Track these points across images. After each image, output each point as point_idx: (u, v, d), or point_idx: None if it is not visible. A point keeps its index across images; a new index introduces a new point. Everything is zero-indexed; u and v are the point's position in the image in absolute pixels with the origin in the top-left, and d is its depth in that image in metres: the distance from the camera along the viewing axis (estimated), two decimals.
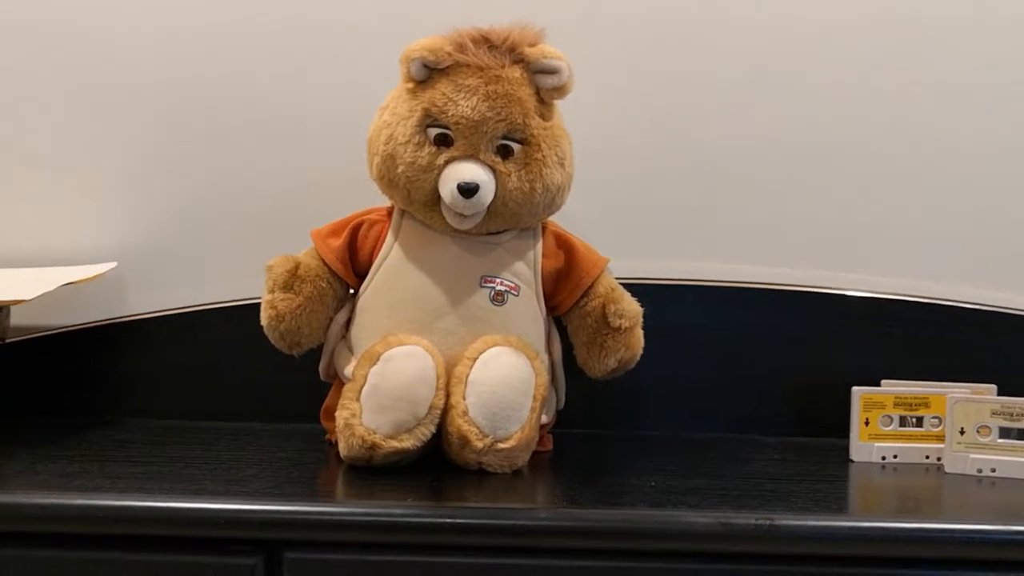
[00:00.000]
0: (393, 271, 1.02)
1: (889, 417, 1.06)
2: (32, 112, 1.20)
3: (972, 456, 1.01)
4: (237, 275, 1.17)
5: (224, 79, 1.19)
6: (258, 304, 1.03)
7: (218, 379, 1.17)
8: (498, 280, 1.01)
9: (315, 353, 1.05)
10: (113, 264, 1.16)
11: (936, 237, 1.21)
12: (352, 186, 1.08)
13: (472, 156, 0.99)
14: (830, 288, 1.19)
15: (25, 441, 1.03)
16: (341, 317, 1.04)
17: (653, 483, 0.95)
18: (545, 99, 1.01)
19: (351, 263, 1.04)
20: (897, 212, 1.20)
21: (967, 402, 1.02)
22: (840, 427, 1.07)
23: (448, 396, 0.95)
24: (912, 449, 1.06)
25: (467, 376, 0.95)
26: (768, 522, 0.82)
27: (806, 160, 1.20)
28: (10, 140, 1.20)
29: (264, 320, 1.03)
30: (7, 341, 1.15)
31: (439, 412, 0.95)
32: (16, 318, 1.15)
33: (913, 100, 1.20)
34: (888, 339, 1.18)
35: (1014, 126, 1.20)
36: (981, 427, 1.01)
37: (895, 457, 1.06)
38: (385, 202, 1.05)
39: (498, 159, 0.99)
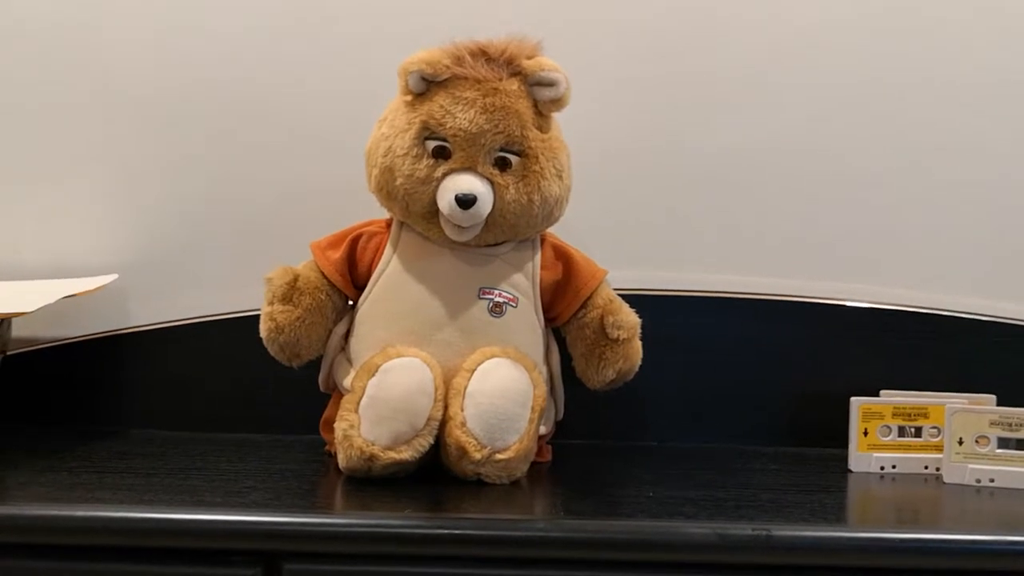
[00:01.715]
0: (392, 283, 1.02)
1: (888, 427, 1.06)
2: (32, 125, 1.20)
3: (971, 466, 1.01)
4: (237, 287, 1.17)
5: (223, 91, 1.20)
6: (258, 316, 1.04)
7: (218, 390, 1.18)
8: (496, 292, 1.02)
9: (315, 365, 1.06)
10: (114, 276, 1.16)
11: (936, 247, 1.21)
12: (351, 198, 1.08)
13: (470, 168, 0.99)
14: (829, 298, 1.20)
15: (26, 452, 1.04)
16: (340, 329, 1.05)
17: (651, 493, 0.95)
18: (543, 111, 1.02)
19: (350, 275, 1.04)
20: (897, 222, 1.21)
21: (965, 412, 1.02)
22: (839, 437, 1.07)
23: (446, 407, 0.96)
24: (911, 459, 1.06)
25: (465, 387, 0.95)
26: (765, 533, 0.82)
27: (805, 170, 1.20)
28: (10, 153, 1.20)
29: (263, 332, 1.03)
30: (9, 353, 1.15)
31: (437, 423, 0.95)
32: (17, 330, 1.15)
33: (912, 107, 1.20)
34: (887, 349, 1.18)
35: (1015, 134, 1.21)
36: (979, 437, 1.01)
37: (894, 467, 1.06)
38: (384, 214, 1.06)
39: (496, 171, 1.00)
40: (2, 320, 1.11)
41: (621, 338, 1.04)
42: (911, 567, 0.84)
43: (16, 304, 1.07)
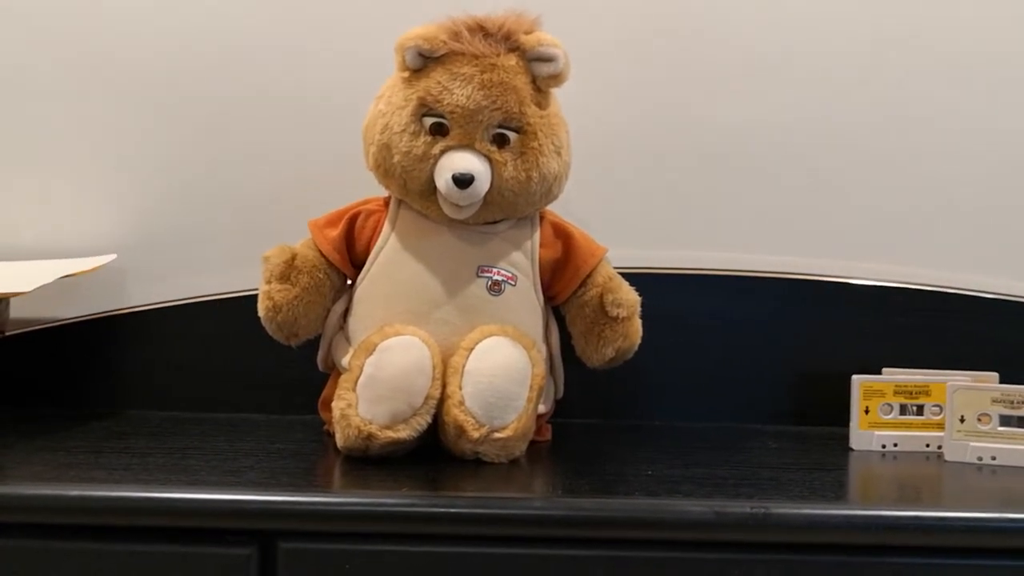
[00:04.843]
0: (390, 261, 1.02)
1: (889, 405, 1.06)
2: (30, 105, 1.19)
3: (972, 444, 1.01)
4: (236, 266, 1.17)
5: (222, 69, 1.19)
6: (256, 295, 1.03)
7: (217, 370, 1.17)
8: (495, 270, 1.01)
9: (314, 344, 1.05)
10: (112, 256, 1.16)
11: (939, 225, 1.20)
12: (350, 176, 1.07)
13: (468, 145, 0.98)
14: (832, 276, 1.19)
15: (23, 433, 1.03)
16: (339, 308, 1.04)
17: (650, 472, 0.95)
18: (542, 87, 1.01)
19: (348, 254, 1.04)
20: (900, 200, 1.20)
21: (967, 390, 1.01)
22: (840, 416, 1.07)
23: (444, 386, 0.95)
24: (912, 437, 1.05)
25: (463, 366, 0.95)
26: (763, 511, 0.82)
27: (807, 147, 1.20)
28: (8, 133, 1.20)
29: (261, 311, 1.02)
30: (6, 334, 1.15)
31: (435, 402, 0.95)
32: (15, 311, 1.15)
33: (917, 88, 1.20)
34: (890, 327, 1.18)
35: (1017, 114, 1.20)
36: (981, 415, 1.01)
37: (895, 445, 1.05)
38: (383, 192, 1.05)
39: (494, 148, 0.99)
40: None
41: (621, 316, 1.03)
42: (912, 545, 0.84)
43: (13, 284, 1.07)
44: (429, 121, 0.99)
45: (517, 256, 1.02)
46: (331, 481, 0.94)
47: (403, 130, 0.99)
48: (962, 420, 1.01)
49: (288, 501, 0.84)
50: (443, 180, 0.98)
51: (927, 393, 1.06)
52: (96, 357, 1.18)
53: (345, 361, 0.99)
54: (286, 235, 1.06)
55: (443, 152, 0.98)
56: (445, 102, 0.98)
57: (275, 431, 1.08)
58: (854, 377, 1.06)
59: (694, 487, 0.89)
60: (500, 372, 0.95)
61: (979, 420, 1.01)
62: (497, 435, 0.94)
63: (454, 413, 0.94)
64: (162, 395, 1.17)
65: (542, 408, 1.02)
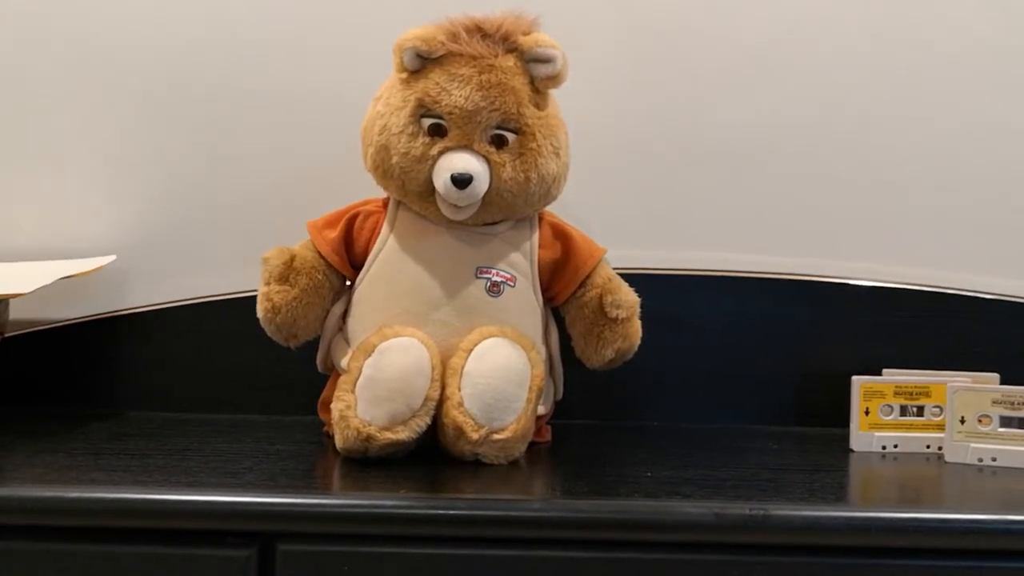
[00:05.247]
0: (389, 262, 1.02)
1: (890, 406, 1.06)
2: (28, 105, 1.19)
3: (973, 445, 1.00)
4: (236, 267, 1.17)
5: (222, 70, 1.19)
6: (256, 296, 1.03)
7: (217, 371, 1.17)
8: (494, 271, 1.01)
9: (313, 345, 1.05)
10: (112, 257, 1.16)
11: (939, 225, 1.20)
12: (349, 177, 1.07)
13: (466, 146, 0.98)
14: (832, 277, 1.19)
15: (23, 434, 1.03)
16: (338, 309, 1.04)
17: (649, 473, 0.95)
18: (540, 88, 1.01)
19: (347, 255, 1.04)
20: (900, 200, 1.20)
21: (967, 391, 1.01)
22: (840, 417, 1.07)
23: (443, 387, 0.95)
24: (913, 439, 1.05)
25: (462, 367, 0.95)
26: (762, 512, 0.81)
27: (807, 147, 1.19)
28: (6, 134, 1.20)
29: (260, 312, 1.02)
30: (6, 335, 1.15)
31: (434, 403, 0.94)
32: (16, 311, 1.15)
33: (918, 87, 1.19)
34: (890, 328, 1.17)
35: (1018, 114, 1.19)
36: (982, 416, 1.00)
37: (895, 447, 1.05)
38: (381, 193, 1.05)
39: (492, 149, 0.99)
40: None
41: (620, 317, 1.03)
42: (912, 547, 0.84)
43: (13, 285, 1.07)
44: (427, 122, 0.99)
45: (516, 257, 1.02)
46: (330, 483, 0.94)
47: (401, 131, 0.99)
48: (962, 421, 1.01)
49: (287, 503, 0.84)
50: (441, 181, 0.98)
51: (927, 394, 1.05)
52: (97, 358, 1.18)
53: (344, 362, 0.99)
54: (286, 235, 1.06)
55: (441, 153, 0.98)
56: (443, 103, 0.98)
57: (275, 432, 1.08)
58: (854, 378, 1.06)
59: (694, 488, 0.89)
60: (499, 373, 0.95)
61: (979, 421, 1.00)
62: (496, 436, 0.94)
63: (453, 414, 0.94)
64: (162, 396, 1.17)
65: (541, 409, 1.02)
